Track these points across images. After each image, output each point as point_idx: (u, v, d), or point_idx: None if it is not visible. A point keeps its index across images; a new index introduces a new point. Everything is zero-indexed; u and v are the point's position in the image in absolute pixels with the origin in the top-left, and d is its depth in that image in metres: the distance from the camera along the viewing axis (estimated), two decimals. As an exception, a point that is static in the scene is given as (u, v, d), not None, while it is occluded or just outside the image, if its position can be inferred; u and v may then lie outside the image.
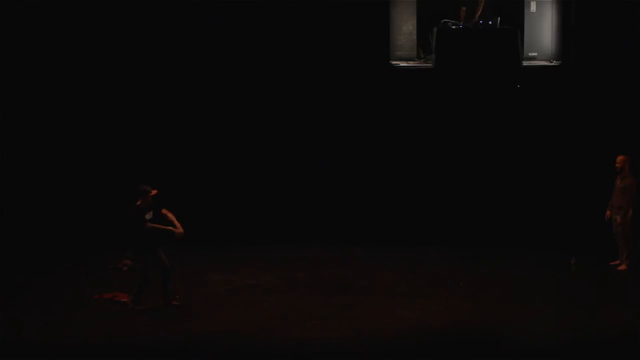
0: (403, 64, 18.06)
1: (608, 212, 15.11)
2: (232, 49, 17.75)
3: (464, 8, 17.81)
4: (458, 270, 14.98)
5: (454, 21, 17.86)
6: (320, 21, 17.57)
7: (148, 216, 13.19)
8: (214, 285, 14.44)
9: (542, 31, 18.08)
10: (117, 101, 17.66)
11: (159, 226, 13.21)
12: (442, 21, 17.88)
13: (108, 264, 15.42)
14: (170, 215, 13.37)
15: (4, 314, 12.97)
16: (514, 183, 17.56)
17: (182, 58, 17.69)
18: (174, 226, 13.29)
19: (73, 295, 14.07)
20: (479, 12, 17.81)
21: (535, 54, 18.11)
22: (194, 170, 17.88)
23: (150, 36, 17.55)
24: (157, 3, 17.52)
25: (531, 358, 11.72)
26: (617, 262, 15.06)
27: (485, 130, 17.70)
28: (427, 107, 17.72)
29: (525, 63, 17.79)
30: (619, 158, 14.94)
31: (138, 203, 13.19)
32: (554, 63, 17.97)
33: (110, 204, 17.14)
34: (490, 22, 17.74)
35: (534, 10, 17.99)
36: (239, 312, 13.23)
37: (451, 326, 12.90)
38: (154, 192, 13.23)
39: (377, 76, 17.69)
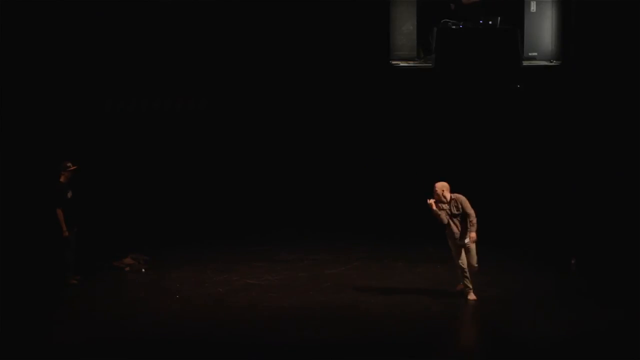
0: (403, 64, 18.06)
1: None
2: (232, 49, 17.76)
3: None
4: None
5: (454, 21, 17.86)
6: (320, 21, 17.58)
7: (69, 194, 14.09)
8: (214, 285, 14.44)
9: (542, 31, 18.08)
10: (120, 102, 17.67)
11: (61, 221, 14.15)
12: (442, 21, 17.88)
13: (108, 264, 15.42)
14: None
15: (3, 314, 12.97)
16: (514, 183, 17.56)
17: (182, 58, 17.70)
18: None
19: (73, 295, 14.09)
20: None
21: (535, 54, 18.10)
22: (194, 170, 17.90)
23: (151, 36, 17.56)
24: (156, 3, 17.52)
25: (531, 358, 11.72)
26: None
27: (485, 130, 17.71)
28: (427, 107, 17.72)
29: (525, 63, 17.79)
30: None
31: (60, 180, 14.01)
32: (554, 63, 17.97)
33: (111, 204, 17.21)
34: (490, 22, 17.74)
35: (534, 10, 17.99)
36: (239, 312, 13.22)
37: (451, 326, 12.91)
38: (73, 167, 14.09)
39: (377, 76, 17.69)
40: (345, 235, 17.16)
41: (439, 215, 13.30)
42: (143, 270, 15.29)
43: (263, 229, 17.54)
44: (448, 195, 13.35)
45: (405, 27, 18.17)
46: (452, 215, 13.36)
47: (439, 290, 14.04)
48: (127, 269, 15.29)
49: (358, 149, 17.99)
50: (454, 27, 17.83)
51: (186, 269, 15.24)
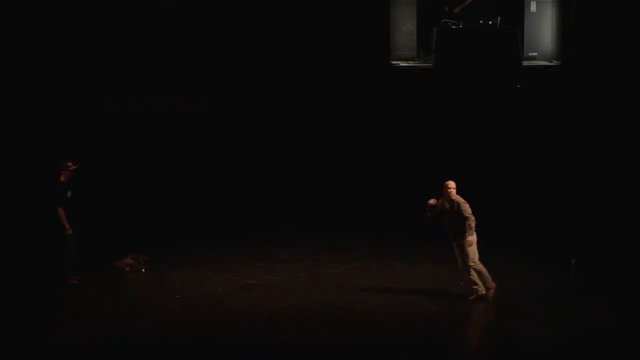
0: (403, 64, 18.06)
1: None
2: (232, 49, 17.76)
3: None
4: (458, 270, 14.94)
5: (454, 21, 17.87)
6: (320, 21, 17.59)
7: (69, 194, 14.17)
8: (214, 285, 14.44)
9: (542, 31, 18.08)
10: (120, 102, 17.69)
11: (63, 219, 14.15)
12: (442, 21, 17.89)
13: (108, 264, 15.42)
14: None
15: (3, 314, 12.97)
16: (514, 183, 17.56)
17: (182, 58, 17.70)
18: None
19: (73, 295, 14.09)
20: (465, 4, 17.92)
21: (535, 54, 18.11)
22: (194, 170, 17.90)
23: (151, 36, 17.56)
24: (156, 3, 17.53)
25: (531, 358, 11.72)
26: None
27: (485, 130, 17.71)
28: (427, 107, 17.72)
29: (525, 63, 17.79)
30: None
31: (61, 179, 14.09)
32: (554, 63, 17.97)
33: (111, 204, 17.21)
34: (490, 22, 17.74)
35: (534, 10, 17.99)
36: (239, 312, 13.23)
37: (451, 326, 12.91)
38: (73, 167, 14.18)
39: (377, 76, 17.69)
40: (345, 235, 17.17)
41: (430, 216, 13.35)
42: (143, 270, 15.29)
43: (263, 229, 17.55)
44: (453, 196, 13.41)
45: (405, 27, 18.16)
46: (447, 216, 13.40)
47: (439, 290, 14.04)
48: (127, 269, 15.30)
49: (358, 149, 17.99)
50: (454, 27, 17.83)
51: (186, 269, 15.25)
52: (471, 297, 13.52)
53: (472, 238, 13.26)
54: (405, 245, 16.56)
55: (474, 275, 13.44)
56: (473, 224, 13.25)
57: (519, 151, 17.66)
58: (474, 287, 13.55)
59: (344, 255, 16.02)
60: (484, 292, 13.51)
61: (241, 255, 16.10)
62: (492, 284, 13.47)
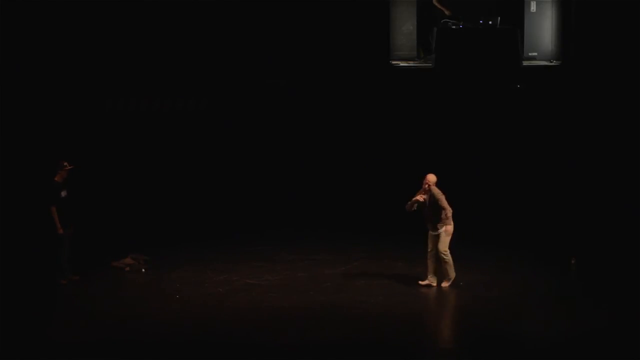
0: (403, 64, 18.08)
1: None
2: (233, 49, 17.78)
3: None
4: (457, 270, 14.95)
5: (454, 21, 17.87)
6: (320, 21, 17.60)
7: (63, 193, 14.15)
8: (214, 285, 14.44)
9: (542, 31, 18.10)
10: (120, 102, 17.70)
11: (55, 218, 14.09)
12: (442, 21, 17.90)
13: (107, 263, 15.43)
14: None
15: (3, 314, 12.98)
16: (514, 183, 17.57)
17: (182, 58, 17.71)
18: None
19: (72, 294, 14.09)
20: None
21: (535, 54, 18.13)
22: (194, 170, 17.91)
23: (151, 36, 17.57)
24: (156, 3, 17.54)
25: (531, 358, 11.73)
26: None
27: (485, 130, 17.72)
28: (427, 107, 17.73)
29: (525, 63, 17.80)
30: None
31: (56, 178, 14.09)
32: (554, 63, 17.98)
33: (111, 204, 17.22)
34: (490, 22, 17.75)
35: (534, 10, 18.00)
36: (239, 312, 13.23)
37: (451, 326, 12.91)
38: (69, 167, 14.21)
39: (377, 76, 17.70)
40: (345, 235, 17.17)
41: (412, 205, 13.94)
42: (143, 270, 15.29)
43: (263, 229, 17.55)
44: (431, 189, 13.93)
45: (405, 27, 18.18)
46: (426, 208, 13.90)
47: (438, 290, 14.04)
48: (127, 269, 15.29)
49: (358, 148, 18.00)
50: (454, 27, 17.84)
51: (186, 269, 15.25)
52: (422, 282, 14.14)
53: (450, 227, 13.84)
54: (405, 245, 16.55)
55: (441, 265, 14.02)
56: (449, 214, 13.81)
57: (519, 151, 17.66)
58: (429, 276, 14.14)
59: (344, 255, 16.02)
60: (435, 284, 14.09)
61: (241, 255, 16.10)
62: (452, 275, 14.00)
